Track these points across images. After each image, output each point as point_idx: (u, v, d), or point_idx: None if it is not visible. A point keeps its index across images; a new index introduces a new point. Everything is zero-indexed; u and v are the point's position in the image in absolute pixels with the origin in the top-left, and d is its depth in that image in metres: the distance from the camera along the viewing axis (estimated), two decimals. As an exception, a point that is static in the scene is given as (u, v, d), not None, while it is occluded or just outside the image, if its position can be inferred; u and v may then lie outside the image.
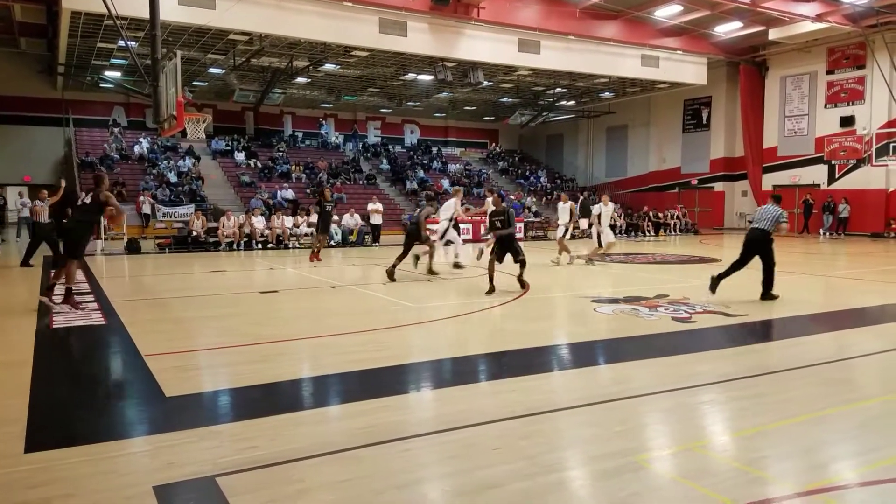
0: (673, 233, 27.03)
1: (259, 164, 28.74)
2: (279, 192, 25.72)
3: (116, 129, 29.21)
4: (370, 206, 21.39)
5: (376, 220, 21.08)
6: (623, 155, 35.30)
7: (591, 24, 23.00)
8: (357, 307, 8.97)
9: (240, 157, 29.10)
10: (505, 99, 33.21)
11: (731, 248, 19.14)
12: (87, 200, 8.64)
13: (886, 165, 22.45)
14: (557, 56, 23.32)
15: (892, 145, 21.99)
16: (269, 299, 9.81)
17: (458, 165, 35.02)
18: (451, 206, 13.22)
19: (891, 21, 22.54)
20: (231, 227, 19.81)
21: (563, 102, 33.60)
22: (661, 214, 27.87)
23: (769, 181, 27.98)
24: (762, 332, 7.66)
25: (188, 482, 3.43)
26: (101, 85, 27.46)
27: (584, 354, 6.46)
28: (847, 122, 25.28)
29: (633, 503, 3.18)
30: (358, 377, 5.42)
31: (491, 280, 10.02)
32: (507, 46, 22.37)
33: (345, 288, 10.86)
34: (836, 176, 25.80)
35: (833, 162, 25.76)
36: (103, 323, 7.78)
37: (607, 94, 31.99)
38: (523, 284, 10.20)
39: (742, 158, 29.27)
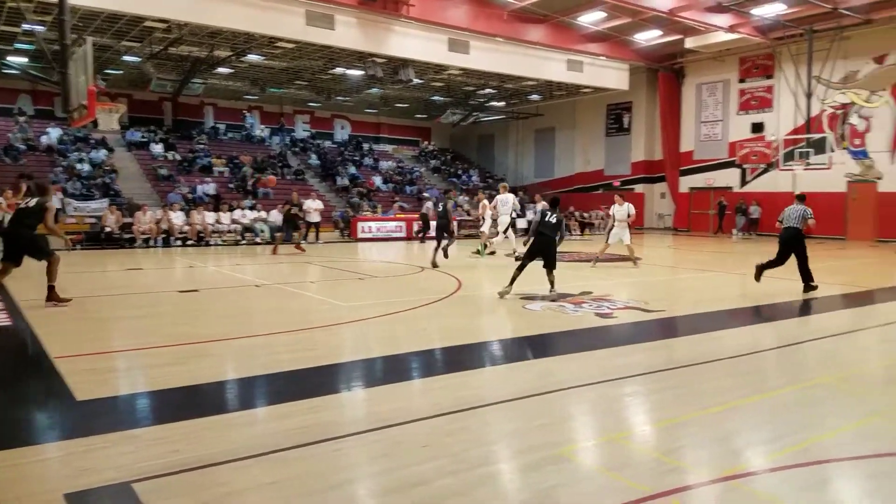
0: (598, 232, 27.90)
1: (178, 157, 27.68)
2: (199, 187, 24.87)
3: (22, 118, 27.45)
4: (310, 204, 20.87)
5: (314, 217, 20.43)
6: (551, 156, 36.13)
7: (518, 27, 23.41)
8: (285, 306, 8.81)
9: (157, 149, 27.94)
10: (436, 97, 33.34)
11: (650, 246, 19.93)
12: (32, 204, 8.45)
13: (792, 170, 23.86)
14: (486, 57, 23.61)
15: (797, 151, 23.38)
16: (189, 299, 9.49)
17: (390, 163, 34.88)
18: (509, 202, 14.37)
19: (795, 34, 24.05)
20: (147, 223, 19.02)
21: (494, 103, 34.04)
22: (586, 214, 28.69)
23: (686, 183, 29.31)
24: (679, 327, 8.02)
25: (102, 489, 3.29)
26: (5, 71, 25.74)
27: (513, 350, 6.60)
28: (757, 128, 26.81)
29: (554, 495, 3.28)
30: (286, 378, 5.33)
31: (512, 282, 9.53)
32: (438, 45, 22.46)
33: (271, 287, 10.64)
34: (748, 179, 27.28)
35: (745, 166, 27.19)
36: (9, 324, 7.33)
37: (535, 96, 32.64)
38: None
39: (661, 161, 30.51)
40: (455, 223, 14.75)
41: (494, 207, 16.25)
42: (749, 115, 27.23)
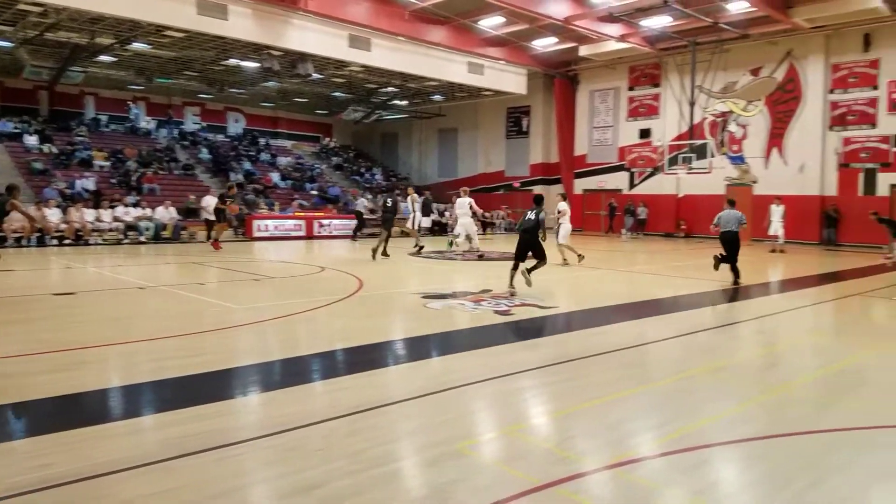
0: (499, 231, 28.59)
1: (55, 150, 25.74)
2: (78, 182, 23.24)
3: None
4: (208, 200, 19.82)
5: (209, 215, 19.36)
6: (454, 156, 36.58)
7: (420, 27, 23.52)
8: (172, 310, 8.40)
9: (31, 141, 25.85)
10: (338, 93, 32.86)
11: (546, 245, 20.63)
12: None
13: (676, 174, 25.47)
14: (388, 55, 23.55)
15: (680, 156, 24.93)
16: (66, 302, 8.86)
17: (289, 158, 34.01)
18: (465, 204, 16.47)
19: (680, 45, 25.66)
20: (19, 221, 17.55)
21: (397, 102, 33.99)
22: (487, 214, 29.23)
23: (580, 185, 30.57)
24: (571, 322, 8.36)
25: (-37, 511, 3.02)
26: None
27: (414, 349, 6.63)
28: (645, 134, 28.41)
29: (451, 490, 3.34)
30: (173, 385, 5.10)
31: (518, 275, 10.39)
32: (338, 41, 22.16)
33: (157, 289, 10.12)
34: (636, 182, 28.85)
35: (633, 170, 28.79)
36: None
37: (438, 96, 32.90)
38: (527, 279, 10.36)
39: (557, 164, 31.65)
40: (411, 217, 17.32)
41: (425, 204, 17.26)
42: (637, 122, 28.75)
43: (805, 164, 23.57)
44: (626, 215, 28.19)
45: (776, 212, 19.97)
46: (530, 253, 10.39)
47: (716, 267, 12.02)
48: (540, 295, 9.93)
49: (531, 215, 10.44)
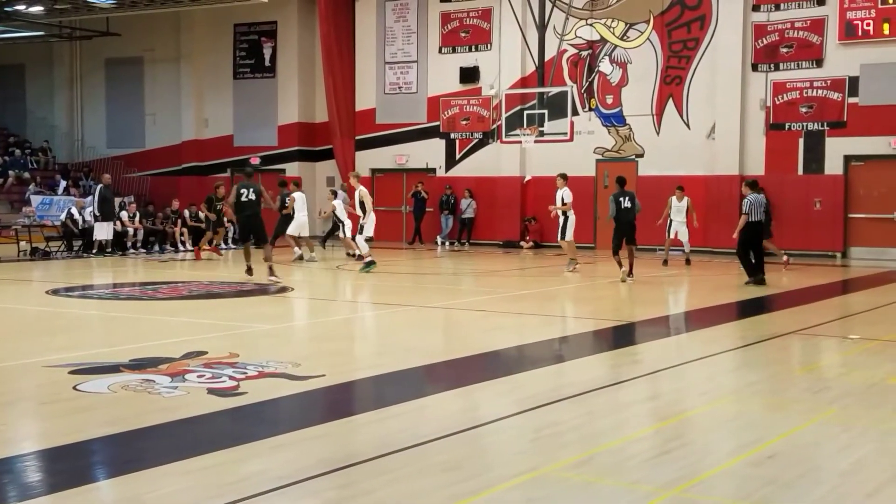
0: (225, 244, 27.60)
1: None
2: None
3: None
4: None
5: None
6: (138, 111, 35.46)
7: None
8: None
9: None
10: None
11: (314, 274, 20.62)
12: None
13: (520, 142, 26.41)
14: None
15: (525, 112, 25.97)
16: None
17: None
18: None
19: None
20: None
21: (24, 7, 31.92)
22: (202, 215, 28.27)
23: (366, 161, 30.76)
24: (347, 400, 8.42)
25: None
26: None
27: (49, 473, 6.23)
28: (469, 76, 29.29)
29: None
30: None
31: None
32: None
33: None
34: (458, 157, 29.69)
35: (452, 135, 29.66)
36: None
37: (105, 0, 31.30)
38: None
39: (326, 125, 31.78)
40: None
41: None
42: (457, 55, 29.79)
43: (716, 124, 25.80)
44: (442, 212, 28.93)
45: (678, 208, 21.36)
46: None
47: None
48: (295, 356, 9.91)
49: (627, 203, 15.97)
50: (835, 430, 7.26)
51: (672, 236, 21.45)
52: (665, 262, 21.39)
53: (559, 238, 20.33)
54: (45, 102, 37.72)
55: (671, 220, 21.43)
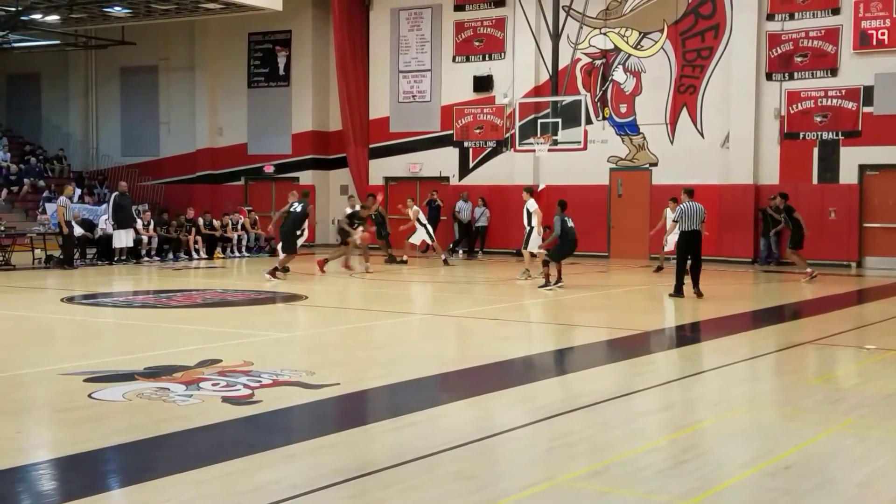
0: (236, 253, 27.76)
1: None
2: None
3: None
4: None
5: None
6: (152, 119, 35.52)
7: None
8: None
9: None
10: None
11: (325, 282, 20.62)
12: None
13: (533, 150, 26.54)
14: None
15: (539, 121, 26.05)
16: None
17: None
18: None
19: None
20: None
21: (40, 16, 32.04)
22: (217, 222, 28.29)
23: (380, 170, 30.96)
24: (361, 409, 8.46)
25: None
26: None
27: (64, 482, 6.27)
28: (483, 84, 29.44)
29: None
30: None
31: None
32: None
33: None
34: (471, 165, 29.78)
35: (466, 144, 29.74)
36: None
37: (119, 8, 31.40)
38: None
39: (340, 134, 31.87)
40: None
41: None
42: (471, 64, 29.80)
43: (730, 133, 25.82)
44: (455, 222, 28.92)
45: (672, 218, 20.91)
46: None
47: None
48: (310, 364, 9.92)
49: (571, 223, 16.98)
50: (850, 441, 7.26)
51: (671, 248, 20.68)
52: (658, 269, 21.71)
53: (522, 247, 20.70)
54: (60, 111, 37.86)
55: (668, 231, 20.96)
